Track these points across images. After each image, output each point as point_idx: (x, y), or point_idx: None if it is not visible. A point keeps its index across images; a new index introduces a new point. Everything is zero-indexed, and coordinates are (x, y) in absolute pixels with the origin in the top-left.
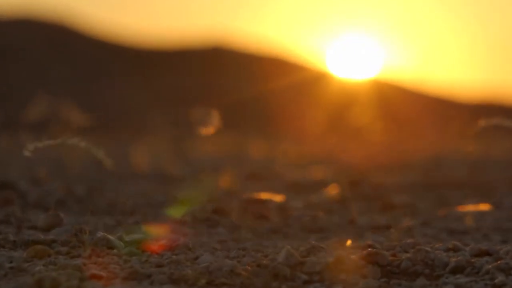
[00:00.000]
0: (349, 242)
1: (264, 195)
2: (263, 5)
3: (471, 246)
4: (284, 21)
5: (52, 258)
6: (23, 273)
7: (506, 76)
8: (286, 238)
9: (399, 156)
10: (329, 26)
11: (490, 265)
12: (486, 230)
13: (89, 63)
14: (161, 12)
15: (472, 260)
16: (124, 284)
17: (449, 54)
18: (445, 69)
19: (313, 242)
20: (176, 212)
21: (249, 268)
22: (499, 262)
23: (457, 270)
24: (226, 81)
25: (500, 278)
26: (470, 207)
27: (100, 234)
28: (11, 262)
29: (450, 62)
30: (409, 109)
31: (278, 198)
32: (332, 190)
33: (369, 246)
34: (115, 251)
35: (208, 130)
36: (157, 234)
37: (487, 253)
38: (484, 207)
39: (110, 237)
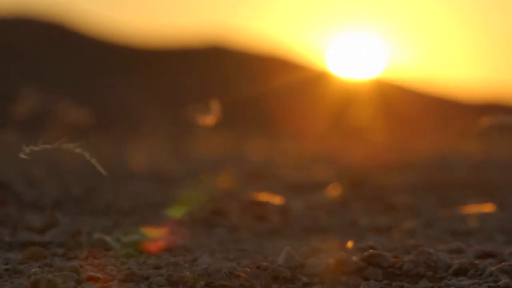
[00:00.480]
0: (350, 244)
1: (264, 196)
2: (263, 4)
3: (475, 247)
4: (284, 20)
5: (48, 259)
6: (19, 275)
7: (510, 76)
8: (286, 239)
9: (401, 156)
10: (330, 25)
11: (493, 267)
12: (489, 231)
13: (88, 62)
14: (160, 11)
15: (476, 262)
16: (122, 286)
17: (452, 53)
18: (448, 69)
19: (313, 243)
20: (174, 212)
21: (249, 269)
22: (502, 264)
23: (460, 272)
24: (226, 81)
25: (503, 280)
26: (473, 208)
27: (97, 235)
28: (6, 264)
29: (453, 62)
30: (411, 108)
31: (278, 198)
32: (333, 191)
33: (371, 247)
34: (112, 252)
35: (207, 122)
36: (155, 235)
37: (491, 255)
38: (487, 207)
39: (107, 238)
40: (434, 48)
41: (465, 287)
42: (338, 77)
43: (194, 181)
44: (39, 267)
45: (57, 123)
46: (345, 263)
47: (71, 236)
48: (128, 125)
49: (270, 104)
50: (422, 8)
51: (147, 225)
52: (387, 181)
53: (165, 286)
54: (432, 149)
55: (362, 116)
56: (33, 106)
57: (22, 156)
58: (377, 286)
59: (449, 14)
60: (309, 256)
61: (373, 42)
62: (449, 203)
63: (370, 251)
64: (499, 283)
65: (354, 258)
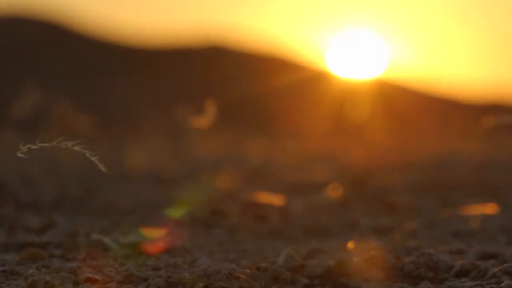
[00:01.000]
0: (351, 245)
1: (264, 196)
2: (263, 3)
3: (476, 248)
4: (284, 20)
5: (46, 261)
6: (16, 276)
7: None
8: (286, 240)
9: (402, 156)
10: (330, 24)
11: (495, 268)
12: (491, 232)
13: (88, 62)
14: (159, 11)
15: (477, 263)
16: None
17: (453, 53)
18: (449, 69)
19: (314, 244)
20: (174, 213)
21: (248, 271)
22: (505, 265)
23: (462, 273)
24: (226, 81)
25: (506, 281)
26: (475, 208)
27: (95, 236)
28: (3, 265)
29: (454, 62)
30: (412, 108)
31: (278, 199)
32: (333, 191)
33: (372, 248)
34: (110, 253)
35: (202, 123)
36: (154, 236)
37: (493, 256)
38: (489, 208)
39: (106, 239)
40: (435, 48)
41: None
42: (338, 77)
43: (194, 181)
44: (36, 268)
45: (56, 123)
46: (346, 264)
47: (69, 237)
48: (128, 125)
49: (270, 104)
50: (422, 7)
51: (146, 226)
52: (388, 181)
53: (164, 287)
54: (433, 149)
55: (362, 116)
56: (33, 106)
57: (20, 155)
58: None
59: (450, 14)
60: (310, 257)
61: (373, 42)
62: (450, 204)
63: (371, 252)
64: (502, 284)
65: (355, 259)
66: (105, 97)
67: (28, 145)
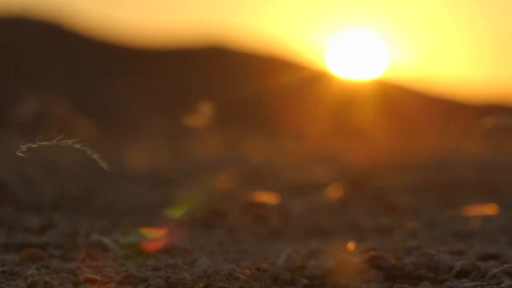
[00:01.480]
0: (351, 245)
1: (264, 196)
2: (263, 3)
3: (477, 249)
4: (284, 20)
5: (45, 261)
6: (16, 277)
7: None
8: (286, 241)
9: (402, 156)
10: (330, 24)
11: (496, 269)
12: (492, 232)
13: (87, 63)
14: (159, 11)
15: (478, 263)
16: None
17: (453, 53)
18: (449, 69)
19: (314, 245)
20: (173, 213)
21: (248, 271)
22: (505, 265)
23: (462, 274)
24: (226, 81)
25: (506, 282)
26: (476, 209)
27: (95, 236)
28: (3, 265)
29: (455, 62)
30: (412, 109)
31: (278, 199)
32: (333, 191)
33: (372, 249)
34: (110, 254)
35: (200, 123)
36: (154, 236)
37: (493, 256)
38: (490, 208)
39: (106, 239)
40: (435, 48)
41: None
42: (338, 77)
43: (194, 182)
44: (36, 269)
45: (56, 123)
46: (346, 265)
47: (68, 237)
48: (128, 125)
49: (270, 104)
50: (423, 7)
51: (146, 226)
52: (388, 182)
53: None
54: (433, 150)
55: (362, 116)
56: (32, 106)
57: (20, 154)
58: None
59: (451, 14)
60: (310, 258)
61: (373, 42)
62: (450, 204)
63: (371, 252)
64: (502, 285)
65: (355, 260)
66: (105, 97)
67: (28, 144)
